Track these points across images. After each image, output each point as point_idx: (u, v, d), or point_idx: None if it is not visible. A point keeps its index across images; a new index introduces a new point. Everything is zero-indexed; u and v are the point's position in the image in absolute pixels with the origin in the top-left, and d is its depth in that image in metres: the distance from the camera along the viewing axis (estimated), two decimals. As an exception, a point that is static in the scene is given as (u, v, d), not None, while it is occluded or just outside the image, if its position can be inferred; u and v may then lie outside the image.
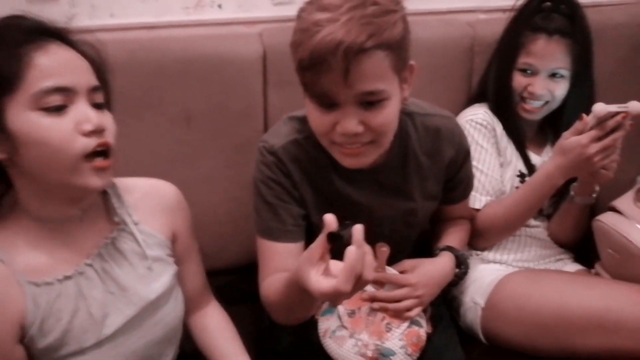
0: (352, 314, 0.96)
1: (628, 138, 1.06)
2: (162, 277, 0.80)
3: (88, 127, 0.67)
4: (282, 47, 1.29)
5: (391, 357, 0.94)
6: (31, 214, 0.72)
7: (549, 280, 1.18)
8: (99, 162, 0.69)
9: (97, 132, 0.68)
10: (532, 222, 1.30)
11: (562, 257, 1.32)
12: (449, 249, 1.06)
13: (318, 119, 0.85)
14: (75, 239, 0.74)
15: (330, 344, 0.97)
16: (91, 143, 0.67)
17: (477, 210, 1.22)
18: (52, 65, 0.66)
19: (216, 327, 0.95)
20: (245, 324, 0.96)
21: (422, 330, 0.99)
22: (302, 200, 0.97)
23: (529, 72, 1.21)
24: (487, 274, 1.23)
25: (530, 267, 1.28)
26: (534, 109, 1.23)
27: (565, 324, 1.09)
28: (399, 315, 0.96)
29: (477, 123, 1.24)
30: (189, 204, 1.29)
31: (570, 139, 1.07)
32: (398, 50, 0.80)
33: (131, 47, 1.21)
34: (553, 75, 1.20)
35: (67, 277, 0.73)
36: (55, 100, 0.66)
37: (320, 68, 0.77)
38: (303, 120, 0.96)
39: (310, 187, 0.97)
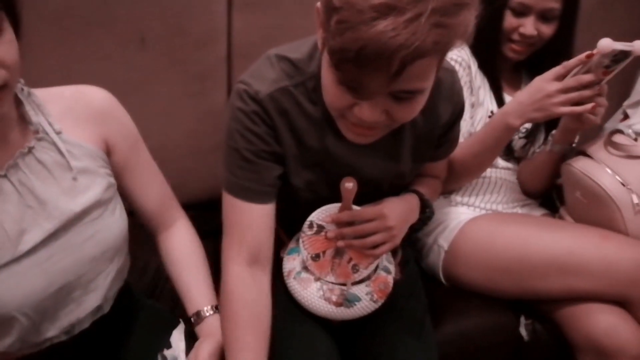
0: (316, 257, 0.92)
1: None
2: (91, 190, 0.75)
3: None
4: (251, -38, 1.20)
5: (356, 303, 0.92)
6: None
7: (513, 224, 1.18)
8: None
9: None
10: (503, 163, 1.29)
11: (528, 202, 1.33)
12: (413, 191, 1.02)
13: (336, 96, 0.73)
14: None
15: (294, 285, 0.94)
16: None
17: None
18: None
19: (180, 253, 0.90)
20: (210, 260, 0.91)
21: (390, 277, 0.96)
22: (283, 156, 0.87)
23: (520, 11, 1.15)
24: (452, 218, 1.23)
25: (497, 210, 1.28)
26: (522, 49, 1.19)
27: (527, 267, 1.10)
28: (366, 253, 0.90)
29: (452, 59, 1.20)
30: (145, 135, 1.20)
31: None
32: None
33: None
34: (544, 16, 1.15)
35: None
36: None
37: (367, 65, 0.64)
38: (295, 63, 0.84)
39: (295, 142, 0.86)
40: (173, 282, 0.89)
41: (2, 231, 0.68)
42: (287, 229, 1.02)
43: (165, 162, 1.21)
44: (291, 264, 0.96)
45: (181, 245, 0.90)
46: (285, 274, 0.96)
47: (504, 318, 1.17)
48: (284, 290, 0.96)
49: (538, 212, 1.32)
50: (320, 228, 0.91)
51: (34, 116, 0.73)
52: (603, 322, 1.05)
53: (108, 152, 0.80)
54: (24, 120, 0.74)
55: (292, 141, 0.86)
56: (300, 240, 0.93)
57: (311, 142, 0.86)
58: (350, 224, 0.88)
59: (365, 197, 0.93)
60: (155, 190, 0.89)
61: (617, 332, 1.04)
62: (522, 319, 1.18)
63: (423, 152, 0.96)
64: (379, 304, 0.94)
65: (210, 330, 0.83)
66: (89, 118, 0.78)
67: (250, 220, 0.85)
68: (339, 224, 0.88)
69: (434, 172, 1.08)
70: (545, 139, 1.28)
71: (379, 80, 0.66)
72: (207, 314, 0.84)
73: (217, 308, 0.85)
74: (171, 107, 1.24)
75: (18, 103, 0.73)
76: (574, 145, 1.21)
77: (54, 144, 0.73)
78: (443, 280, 1.22)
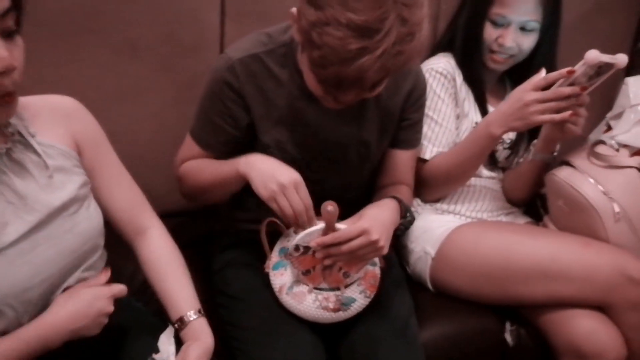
0: (307, 273, 0.94)
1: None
2: (68, 186, 0.78)
3: None
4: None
5: (352, 304, 0.95)
6: None
7: (498, 231, 1.20)
8: (7, 98, 0.66)
9: (6, 72, 0.64)
10: (487, 173, 1.31)
11: (512, 210, 1.35)
12: (391, 197, 1.04)
13: (315, 87, 0.86)
14: None
15: (288, 301, 0.95)
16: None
17: (426, 160, 1.22)
18: None
19: (159, 259, 0.90)
20: (195, 267, 0.92)
21: (377, 269, 0.99)
22: (250, 122, 0.98)
23: (500, 23, 1.18)
24: (439, 225, 1.24)
25: (482, 218, 1.30)
26: (503, 60, 1.22)
27: (510, 273, 1.12)
28: (355, 262, 0.93)
29: (437, 72, 1.22)
30: (134, 141, 1.22)
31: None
32: None
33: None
34: (523, 28, 1.18)
35: None
36: None
37: (345, 89, 0.80)
38: (271, 34, 0.96)
39: (265, 104, 0.96)
40: (154, 288, 0.89)
41: None
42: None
43: (155, 167, 1.21)
44: (280, 279, 0.96)
45: (159, 250, 0.90)
46: (276, 290, 0.97)
47: (489, 324, 1.19)
48: (266, 288, 0.98)
49: (522, 220, 1.34)
50: (307, 249, 0.92)
51: (12, 119, 0.75)
52: (583, 326, 1.07)
53: (79, 152, 0.83)
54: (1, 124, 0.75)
55: (260, 102, 0.96)
56: (289, 262, 0.95)
57: (278, 101, 0.97)
58: (335, 244, 0.90)
59: (334, 164, 1.01)
60: (122, 194, 0.89)
61: (597, 337, 1.06)
62: (507, 325, 1.20)
63: (388, 127, 1.05)
64: (372, 297, 0.96)
65: (196, 334, 0.84)
66: (58, 120, 0.81)
67: (194, 154, 1.02)
68: (325, 246, 0.90)
69: (401, 177, 1.12)
70: (526, 148, 1.31)
71: (354, 95, 0.82)
72: (191, 319, 0.84)
73: (200, 312, 0.86)
74: (162, 114, 1.24)
75: None
76: (554, 154, 1.23)
77: (30, 145, 0.76)
78: (430, 286, 1.23)
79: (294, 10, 0.82)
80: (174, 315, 0.86)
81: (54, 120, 0.80)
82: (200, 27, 1.20)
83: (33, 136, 0.76)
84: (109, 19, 1.14)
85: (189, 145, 1.03)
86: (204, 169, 1.01)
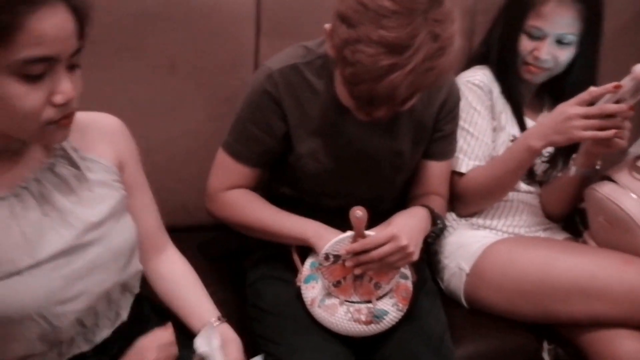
0: (337, 284, 0.95)
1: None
2: (107, 200, 0.80)
3: (60, 100, 0.66)
4: (279, -8, 1.24)
5: (385, 317, 0.94)
6: None
7: (535, 247, 1.18)
8: (64, 121, 0.69)
9: (68, 103, 0.67)
10: (525, 187, 1.29)
11: (551, 226, 1.32)
12: (421, 205, 1.05)
13: (348, 102, 0.88)
14: (11, 167, 0.75)
15: (320, 314, 0.95)
16: (58, 114, 0.68)
17: (462, 174, 1.20)
18: (43, 33, 0.62)
19: (180, 274, 0.93)
20: (228, 280, 0.93)
21: (409, 282, 0.99)
22: (286, 132, 0.99)
23: (536, 35, 1.16)
24: (474, 241, 1.22)
25: (519, 234, 1.27)
26: (538, 71, 1.20)
27: (548, 291, 1.10)
28: (385, 272, 0.93)
29: (474, 84, 1.22)
30: (170, 156, 1.25)
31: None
32: None
33: (112, -16, 1.13)
34: (560, 41, 1.16)
35: (0, 199, 0.73)
36: (38, 69, 0.63)
37: (377, 105, 0.81)
38: (308, 47, 0.99)
39: (301, 114, 0.98)
40: (171, 303, 0.91)
41: (21, 236, 0.72)
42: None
43: (189, 181, 1.24)
44: (311, 292, 0.97)
45: (179, 267, 0.94)
46: (307, 303, 0.97)
47: (526, 342, 1.16)
48: (298, 302, 0.98)
49: (560, 235, 1.31)
50: (337, 258, 0.93)
51: None
52: (627, 347, 1.04)
53: (120, 169, 0.86)
54: None
55: (297, 111, 0.98)
56: (319, 272, 0.95)
57: (313, 111, 0.98)
58: (365, 251, 0.90)
59: (366, 175, 1.02)
60: (151, 213, 0.92)
61: None
62: (545, 344, 1.17)
63: (421, 138, 1.06)
64: (404, 310, 0.96)
65: (227, 337, 0.86)
66: (103, 138, 0.84)
67: (228, 171, 1.03)
68: (354, 253, 0.91)
69: (435, 187, 1.11)
70: (565, 162, 1.28)
71: (386, 110, 0.83)
72: (216, 325, 0.87)
73: (220, 319, 0.88)
74: (197, 129, 1.27)
75: None
76: (597, 168, 1.20)
77: (72, 159, 0.78)
78: (465, 302, 1.21)
79: (327, 26, 0.84)
80: (198, 324, 0.88)
81: (99, 137, 0.83)
82: (235, 44, 1.22)
83: (76, 150, 0.79)
84: (148, 37, 1.17)
85: (224, 163, 1.04)
86: (261, 213, 1.03)
